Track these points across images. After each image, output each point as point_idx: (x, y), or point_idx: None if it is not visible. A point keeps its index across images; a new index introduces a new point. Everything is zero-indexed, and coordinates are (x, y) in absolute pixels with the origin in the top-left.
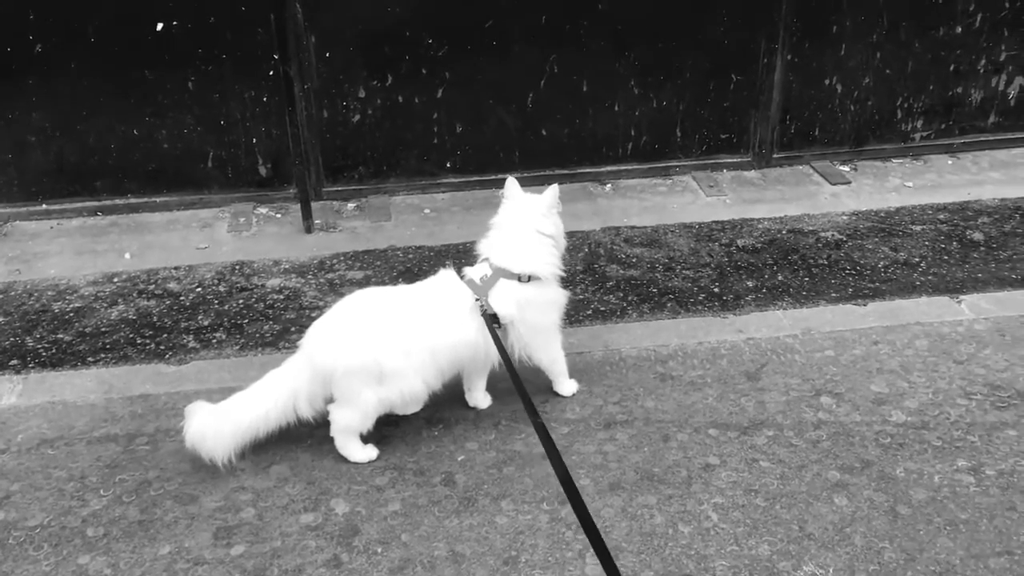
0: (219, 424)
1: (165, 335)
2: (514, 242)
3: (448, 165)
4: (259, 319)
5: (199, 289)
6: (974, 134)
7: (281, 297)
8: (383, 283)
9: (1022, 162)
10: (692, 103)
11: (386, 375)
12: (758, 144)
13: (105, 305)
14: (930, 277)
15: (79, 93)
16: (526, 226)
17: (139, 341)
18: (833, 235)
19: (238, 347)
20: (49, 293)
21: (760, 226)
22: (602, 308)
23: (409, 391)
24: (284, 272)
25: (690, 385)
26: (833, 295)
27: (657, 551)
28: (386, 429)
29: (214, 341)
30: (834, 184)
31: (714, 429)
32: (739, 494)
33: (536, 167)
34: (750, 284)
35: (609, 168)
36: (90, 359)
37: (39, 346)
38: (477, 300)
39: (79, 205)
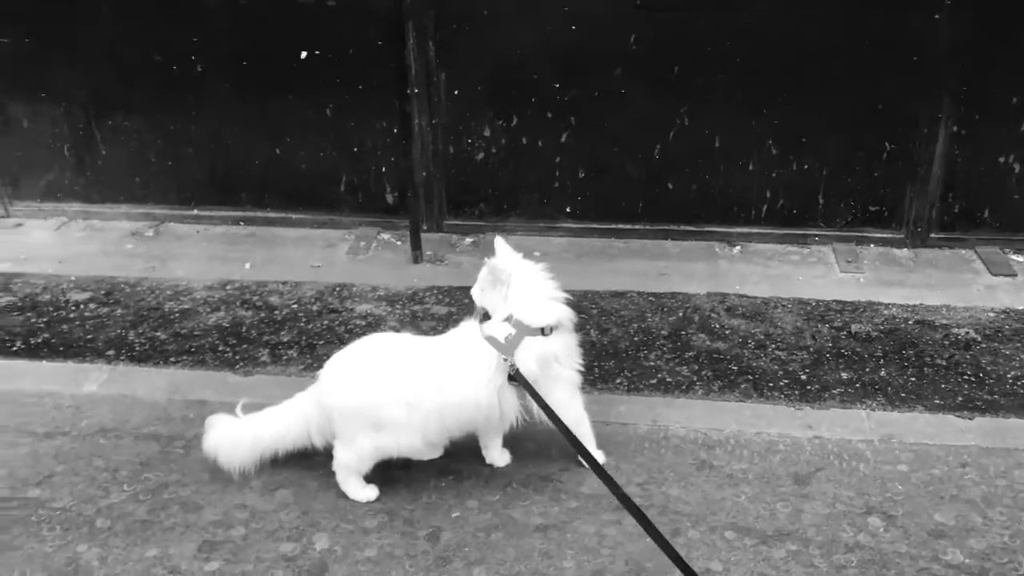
0: (239, 436)
1: (245, 346)
2: (526, 297)
3: (567, 210)
4: (333, 342)
5: (294, 306)
6: None
7: (363, 323)
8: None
9: None
10: (838, 169)
11: (383, 424)
12: (913, 221)
13: (208, 310)
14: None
15: (231, 112)
16: (536, 278)
17: (220, 348)
18: (967, 332)
19: (303, 367)
20: (167, 292)
21: (886, 312)
22: (668, 379)
23: (407, 445)
24: (376, 299)
25: (727, 478)
26: (936, 402)
27: None
28: (396, 472)
29: (284, 358)
30: (995, 275)
31: (732, 532)
32: None
33: (660, 220)
34: (844, 376)
35: (740, 229)
36: (172, 359)
37: (136, 340)
38: (505, 360)
39: (224, 214)
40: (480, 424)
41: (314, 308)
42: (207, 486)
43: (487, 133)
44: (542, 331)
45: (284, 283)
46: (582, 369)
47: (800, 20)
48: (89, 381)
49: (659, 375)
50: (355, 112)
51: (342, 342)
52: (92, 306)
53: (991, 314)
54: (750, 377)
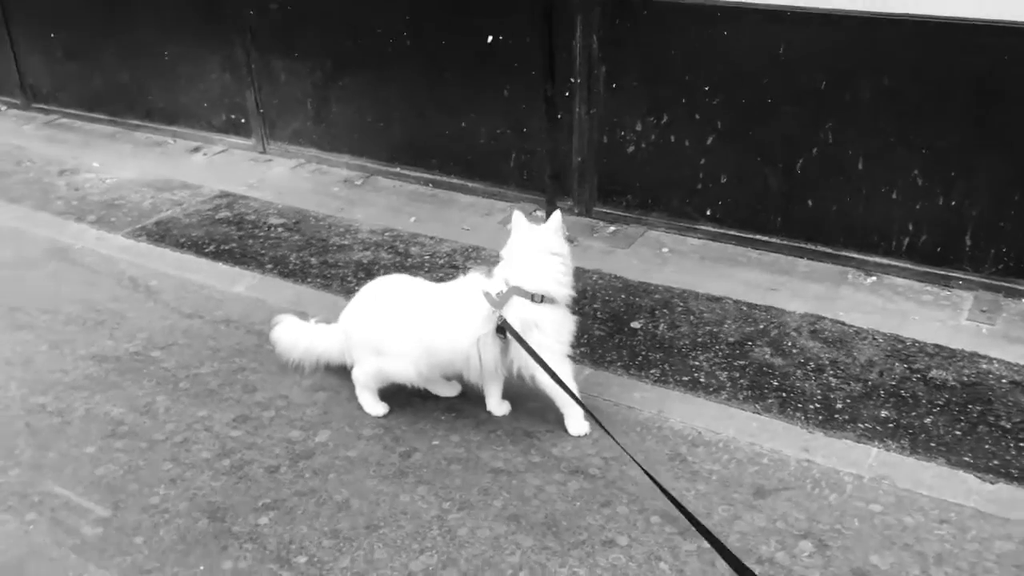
0: (296, 339)
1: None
2: (528, 264)
3: (708, 213)
4: None
5: (427, 257)
6: None
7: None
8: None
9: None
10: (989, 210)
11: (384, 352)
12: None
13: (360, 248)
14: None
15: (428, 85)
16: (538, 248)
17: (348, 279)
18: None
19: None
20: (339, 229)
21: (984, 366)
22: (702, 380)
23: (403, 372)
24: (485, 259)
25: (691, 474)
26: (965, 459)
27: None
28: (413, 400)
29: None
30: None
31: (658, 517)
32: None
33: (796, 237)
34: (882, 414)
35: (878, 260)
36: (308, 280)
37: (292, 260)
38: (493, 312)
39: (418, 174)
40: (461, 367)
41: (440, 262)
42: (272, 376)
43: (639, 128)
44: (532, 297)
45: (431, 238)
46: (571, 344)
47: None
48: (240, 284)
49: (695, 374)
50: (526, 96)
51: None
52: (279, 230)
53: None
54: (784, 394)
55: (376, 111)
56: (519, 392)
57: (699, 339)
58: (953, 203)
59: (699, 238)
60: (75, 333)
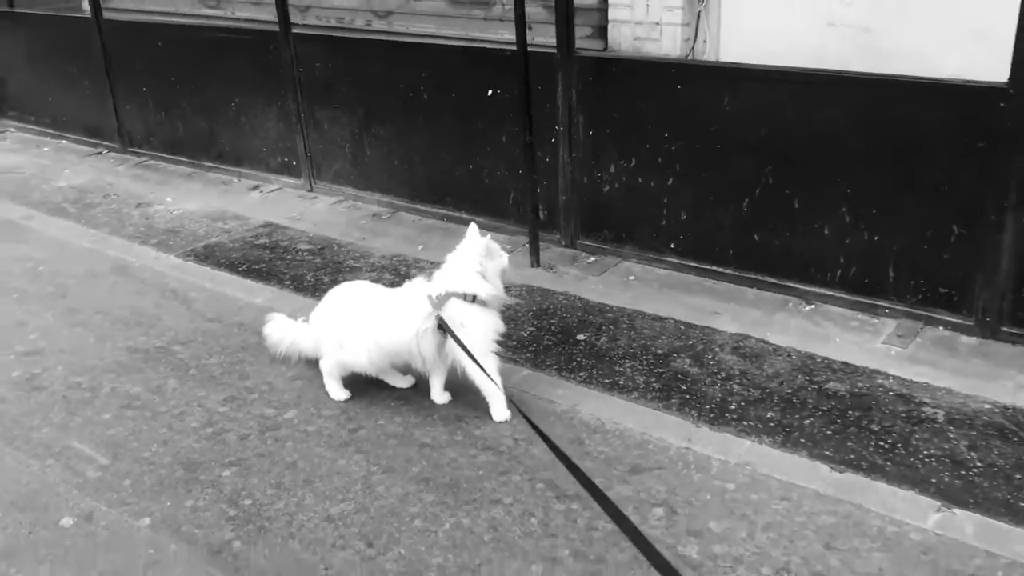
0: (282, 335)
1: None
2: (461, 270)
3: (672, 246)
4: None
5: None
6: None
7: None
8: (520, 314)
9: None
10: (907, 246)
11: (344, 345)
12: (982, 310)
13: (367, 269)
14: (960, 481)
15: (443, 132)
16: (469, 256)
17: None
18: (936, 414)
19: None
20: (355, 255)
21: (879, 381)
22: (620, 382)
23: (361, 363)
24: None
25: (583, 454)
26: (825, 452)
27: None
28: (374, 391)
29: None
30: None
31: (543, 484)
32: (484, 532)
33: (748, 270)
34: (768, 415)
35: (817, 289)
36: (317, 294)
37: (308, 278)
38: (432, 311)
39: (435, 210)
40: (407, 358)
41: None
42: (263, 367)
43: (612, 170)
44: (464, 296)
45: (431, 263)
46: (498, 342)
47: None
48: (260, 296)
49: (616, 378)
50: (520, 141)
51: None
52: (305, 254)
53: (987, 406)
54: (687, 396)
55: (401, 155)
56: (461, 385)
57: (631, 350)
58: (877, 238)
59: (664, 268)
60: (118, 330)
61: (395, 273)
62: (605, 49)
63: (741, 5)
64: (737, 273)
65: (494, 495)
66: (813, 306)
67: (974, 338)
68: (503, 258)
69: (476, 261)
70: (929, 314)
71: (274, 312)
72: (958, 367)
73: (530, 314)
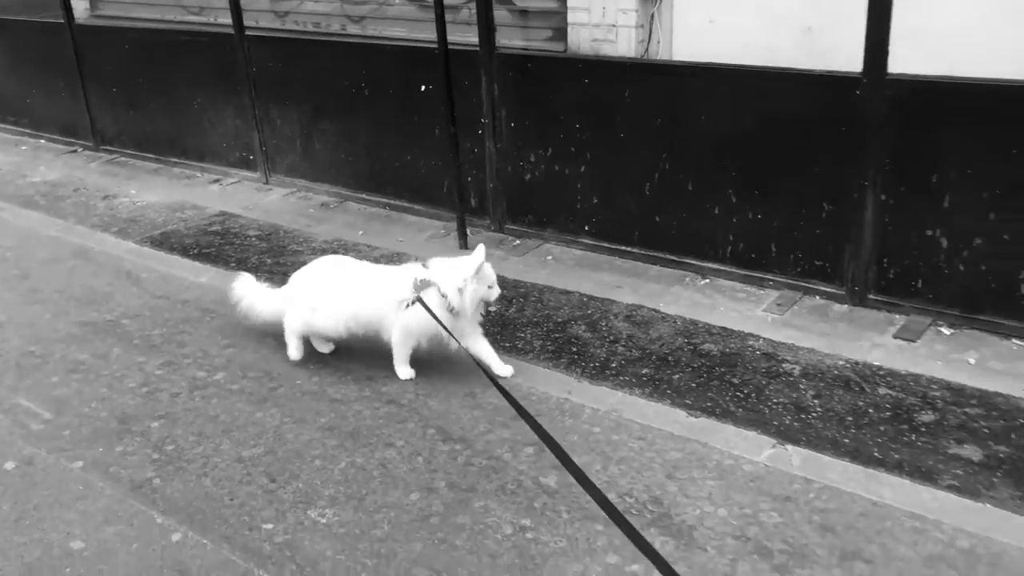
0: (243, 293)
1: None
2: (450, 274)
3: (586, 228)
4: None
5: None
6: None
7: None
8: None
9: None
10: (786, 223)
11: (317, 309)
12: (851, 280)
13: (309, 252)
14: (799, 424)
15: (383, 125)
16: (459, 273)
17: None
18: (792, 368)
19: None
20: (299, 239)
21: (751, 342)
22: (519, 346)
23: (327, 327)
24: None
25: (474, 405)
26: (686, 401)
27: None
28: (330, 356)
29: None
30: (897, 338)
31: (434, 430)
32: (374, 469)
33: (652, 248)
34: (643, 372)
35: (711, 265)
36: (259, 273)
37: (253, 260)
38: (405, 300)
39: (378, 199)
40: (376, 328)
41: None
42: (201, 337)
43: (532, 159)
44: (440, 293)
45: (368, 246)
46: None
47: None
48: (205, 276)
49: (516, 342)
50: (450, 135)
51: None
52: (253, 240)
53: (841, 363)
54: (576, 356)
55: (346, 148)
56: (373, 347)
57: (535, 319)
58: (760, 217)
59: (580, 249)
60: (72, 307)
61: (348, 250)
62: (565, 51)
63: (692, 7)
64: (642, 252)
65: (389, 439)
66: (707, 280)
67: (845, 305)
68: (494, 291)
69: (462, 277)
70: (807, 285)
71: (244, 274)
72: (825, 330)
73: None
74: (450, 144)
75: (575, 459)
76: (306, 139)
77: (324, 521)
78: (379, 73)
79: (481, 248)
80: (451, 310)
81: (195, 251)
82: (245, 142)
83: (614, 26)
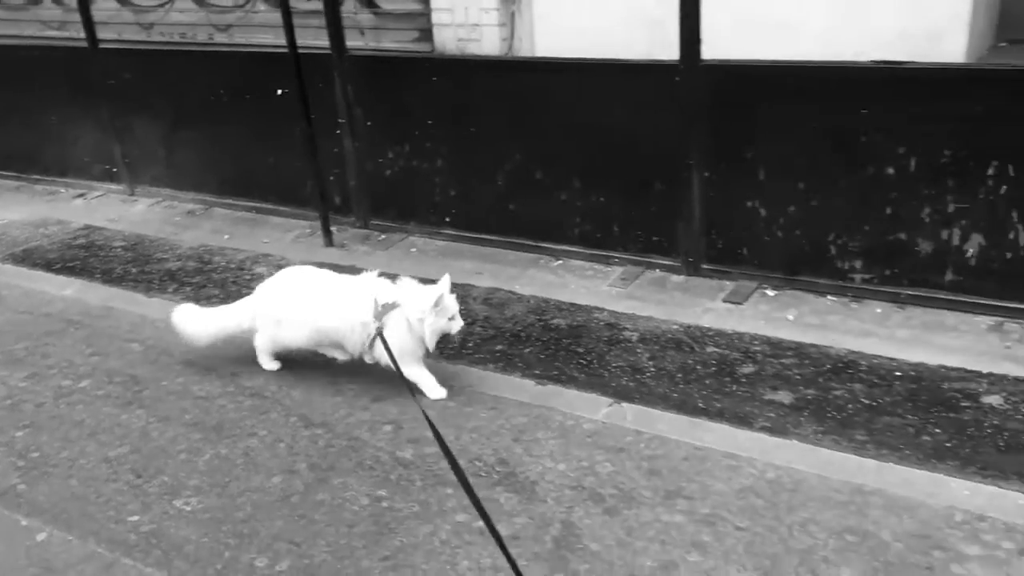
0: (196, 323)
1: (171, 282)
2: (416, 300)
3: (447, 220)
4: (218, 286)
5: (224, 263)
6: (928, 288)
7: (248, 278)
8: None
9: (965, 329)
10: (626, 203)
11: (281, 323)
12: (685, 253)
13: (174, 259)
14: (634, 383)
15: (245, 130)
16: (425, 303)
17: (154, 281)
18: (631, 336)
19: (184, 297)
20: (164, 247)
21: (592, 315)
22: None
23: (294, 339)
24: (277, 267)
25: (335, 391)
26: (534, 372)
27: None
28: (164, 358)
29: (182, 291)
30: (726, 302)
31: (296, 418)
32: (238, 458)
33: (508, 235)
34: (498, 348)
35: (563, 247)
36: (123, 282)
37: (118, 271)
38: (373, 321)
39: (245, 203)
40: (338, 341)
41: (233, 266)
42: (65, 348)
43: (391, 156)
44: (407, 319)
45: (234, 249)
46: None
47: (590, 92)
48: (69, 288)
49: None
50: (312, 136)
51: (225, 287)
52: (119, 251)
53: (675, 327)
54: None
55: (210, 155)
56: (233, 342)
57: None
58: (602, 199)
59: (442, 240)
60: None
61: (199, 260)
62: (432, 51)
63: (551, 5)
64: (500, 239)
65: (252, 429)
66: (560, 261)
67: (681, 276)
68: (455, 323)
69: (420, 309)
70: (648, 259)
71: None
72: (663, 299)
73: None
74: (307, 145)
75: (429, 433)
76: (168, 149)
77: (189, 509)
78: (237, 80)
79: (446, 278)
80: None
81: (59, 265)
82: (107, 155)
83: (477, 26)
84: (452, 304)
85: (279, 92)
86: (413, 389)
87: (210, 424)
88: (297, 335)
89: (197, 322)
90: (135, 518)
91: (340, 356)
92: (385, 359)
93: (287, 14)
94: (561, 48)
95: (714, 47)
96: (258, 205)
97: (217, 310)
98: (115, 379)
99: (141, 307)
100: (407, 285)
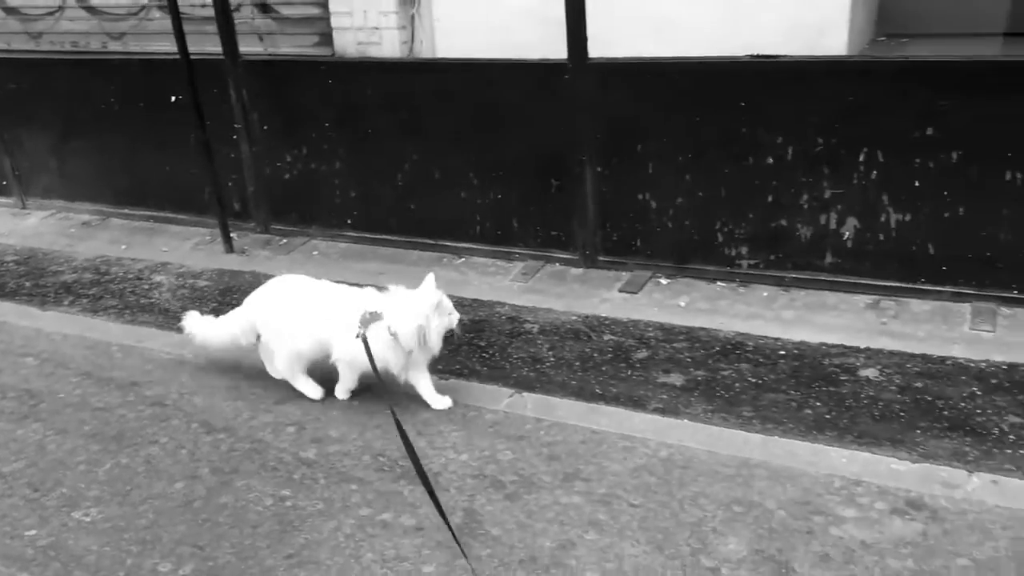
0: (203, 330)
1: (67, 295)
2: (407, 310)
3: (348, 222)
4: (117, 296)
5: (123, 273)
6: (810, 271)
7: (147, 287)
8: (208, 294)
9: (845, 308)
10: (523, 200)
11: (295, 335)
12: (582, 246)
13: (69, 271)
14: (535, 373)
15: (138, 139)
16: (421, 311)
17: (50, 294)
18: (531, 327)
19: (80, 309)
20: (59, 260)
21: (494, 309)
22: None
23: (297, 351)
24: (175, 274)
25: (237, 396)
26: (439, 368)
27: None
28: (60, 370)
29: (79, 303)
30: (622, 292)
31: (198, 424)
32: (139, 466)
33: (410, 235)
34: None
35: (465, 245)
36: (18, 296)
37: (11, 284)
38: (360, 330)
39: (142, 212)
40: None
41: (131, 276)
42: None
43: (289, 160)
44: (388, 329)
45: (132, 259)
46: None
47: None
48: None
49: None
50: (208, 141)
51: (124, 297)
52: (11, 265)
53: (573, 318)
54: None
55: (103, 165)
56: (131, 350)
57: None
58: (500, 197)
59: (345, 242)
60: None
61: (96, 272)
62: (333, 55)
63: (450, 7)
64: (402, 239)
65: (153, 437)
66: (463, 259)
67: (580, 269)
68: (453, 317)
69: (423, 315)
70: (548, 254)
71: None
72: (562, 292)
73: (216, 293)
74: (203, 151)
75: (333, 432)
76: (61, 160)
77: (89, 520)
78: (129, 88)
79: (431, 278)
80: (407, 349)
81: None
82: None
83: (377, 29)
84: (447, 301)
85: (173, 99)
86: (392, 404)
87: (110, 434)
88: (295, 345)
89: (202, 329)
90: (32, 532)
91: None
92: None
93: (177, 20)
94: (462, 49)
95: (613, 47)
96: (156, 214)
97: (218, 319)
98: (8, 394)
99: (35, 320)
100: (396, 294)
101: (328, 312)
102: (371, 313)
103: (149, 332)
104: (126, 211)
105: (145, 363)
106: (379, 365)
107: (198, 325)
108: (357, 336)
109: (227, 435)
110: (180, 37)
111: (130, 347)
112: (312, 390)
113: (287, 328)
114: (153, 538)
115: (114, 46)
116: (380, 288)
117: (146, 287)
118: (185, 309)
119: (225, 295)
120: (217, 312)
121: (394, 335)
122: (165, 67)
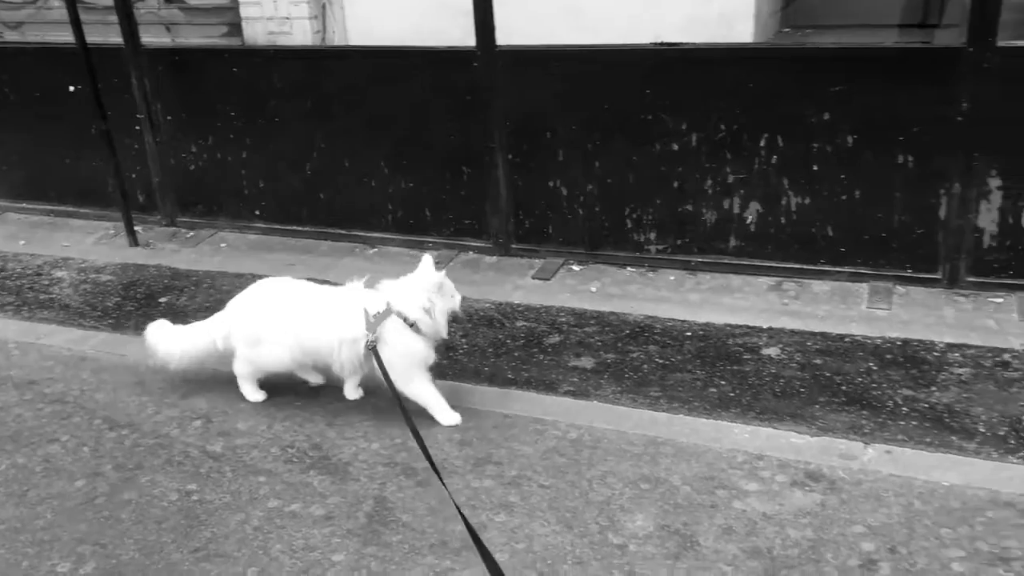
0: (172, 342)
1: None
2: (410, 296)
3: (257, 213)
4: (18, 294)
5: (21, 269)
6: (715, 255)
7: (47, 283)
8: (111, 288)
9: (749, 290)
10: (435, 189)
11: (261, 342)
12: (495, 234)
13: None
14: (448, 361)
15: (34, 130)
16: (422, 292)
17: None
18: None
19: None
20: None
21: None
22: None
23: (279, 360)
24: (78, 269)
25: (139, 392)
26: None
27: None
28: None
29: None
30: (535, 279)
31: (100, 420)
32: (37, 466)
33: (321, 225)
34: None
35: (377, 234)
36: None
37: None
38: (367, 334)
39: (42, 207)
40: (326, 359)
41: (30, 272)
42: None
43: (194, 150)
44: (405, 320)
45: (31, 255)
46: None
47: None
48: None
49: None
50: (107, 132)
51: (21, 294)
52: None
53: (487, 305)
54: None
55: (0, 158)
56: (54, 357)
57: (207, 304)
58: (412, 185)
59: (254, 233)
60: None
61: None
62: (243, 45)
63: None
64: (312, 229)
65: (53, 436)
66: (376, 249)
67: (494, 257)
68: (456, 299)
69: (425, 296)
70: (461, 243)
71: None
72: (476, 280)
73: (120, 287)
74: (104, 142)
75: (241, 425)
76: None
77: None
78: (23, 77)
79: (428, 259)
80: (420, 331)
81: None
82: None
83: (288, 18)
84: (449, 282)
85: (72, 89)
86: (408, 413)
87: (5, 435)
88: (282, 354)
89: (169, 341)
90: None
91: (314, 380)
92: (383, 378)
93: (73, 7)
94: (374, 38)
95: (528, 37)
96: (56, 208)
97: (190, 327)
98: None
99: None
100: (390, 286)
101: (323, 317)
102: (375, 315)
103: (49, 329)
104: (24, 205)
105: (44, 360)
106: (410, 362)
107: (165, 336)
108: (368, 346)
109: (131, 431)
110: (77, 25)
111: (28, 344)
112: (254, 394)
113: (272, 336)
114: (52, 538)
115: (11, 36)
116: (368, 286)
117: (46, 283)
118: (87, 304)
119: (129, 289)
120: (119, 306)
121: (413, 324)
122: (63, 56)
